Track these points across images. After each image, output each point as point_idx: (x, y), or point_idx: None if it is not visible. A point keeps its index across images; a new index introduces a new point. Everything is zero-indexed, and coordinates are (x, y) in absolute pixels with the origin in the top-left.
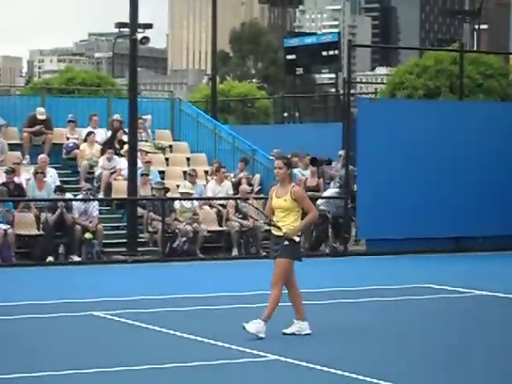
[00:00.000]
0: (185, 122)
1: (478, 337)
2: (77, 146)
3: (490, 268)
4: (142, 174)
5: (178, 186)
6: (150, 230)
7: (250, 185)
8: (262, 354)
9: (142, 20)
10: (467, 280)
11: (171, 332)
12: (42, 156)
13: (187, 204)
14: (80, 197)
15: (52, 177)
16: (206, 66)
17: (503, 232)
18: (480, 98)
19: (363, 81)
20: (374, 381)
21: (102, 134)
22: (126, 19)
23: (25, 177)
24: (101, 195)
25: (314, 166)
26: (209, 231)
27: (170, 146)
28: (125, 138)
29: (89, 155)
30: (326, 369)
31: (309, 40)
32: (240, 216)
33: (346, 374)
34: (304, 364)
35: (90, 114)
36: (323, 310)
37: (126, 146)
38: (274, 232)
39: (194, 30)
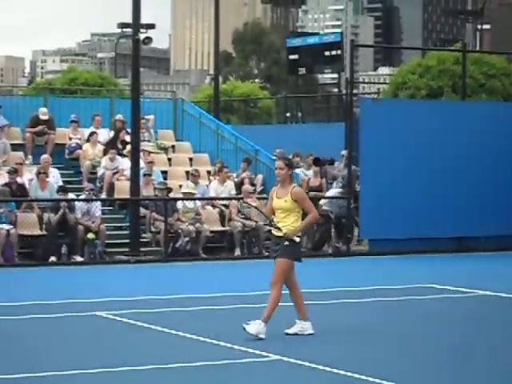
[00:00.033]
0: (187, 122)
1: (481, 337)
2: (79, 147)
3: (492, 268)
4: (144, 174)
5: (180, 186)
6: (153, 230)
7: (253, 185)
8: (264, 354)
9: (144, 20)
10: (470, 280)
11: (174, 332)
12: (44, 156)
13: (190, 204)
14: (83, 197)
15: (55, 177)
16: (209, 66)
17: (506, 232)
18: (483, 98)
19: (366, 81)
20: (377, 381)
21: (105, 134)
22: (129, 19)
23: (27, 177)
24: (103, 195)
25: (317, 166)
26: (211, 231)
27: (173, 146)
28: (127, 138)
29: (91, 155)
30: (328, 369)
31: (311, 40)
32: (242, 216)
33: (349, 373)
34: (307, 364)
35: (93, 114)
36: (326, 310)
37: (128, 146)
38: (275, 232)
39: (196, 31)
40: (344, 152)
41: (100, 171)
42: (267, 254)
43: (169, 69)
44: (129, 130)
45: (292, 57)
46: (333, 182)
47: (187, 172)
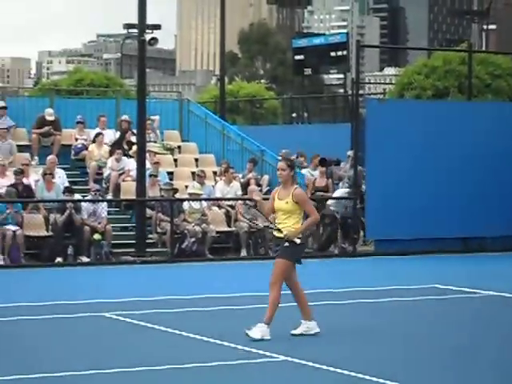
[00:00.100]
0: (193, 123)
1: (486, 337)
2: (85, 147)
3: (498, 268)
4: (150, 175)
5: (186, 187)
6: (159, 230)
7: (259, 185)
8: (268, 354)
9: (150, 21)
10: (475, 280)
11: (178, 332)
12: (50, 157)
13: (196, 205)
14: (89, 198)
15: (61, 178)
16: (215, 67)
17: None
18: (489, 99)
19: (372, 81)
20: (381, 381)
21: (111, 135)
22: (135, 20)
23: (33, 178)
24: (109, 196)
25: (323, 167)
26: (217, 232)
27: (179, 147)
28: (133, 138)
29: (97, 156)
30: (332, 369)
31: (317, 40)
32: (249, 217)
33: (353, 374)
34: (310, 364)
35: (98, 115)
36: (331, 311)
37: (134, 147)
38: (275, 234)
39: (202, 31)
40: (350, 152)
41: (106, 172)
42: (273, 254)
43: (175, 69)
44: (135, 131)
45: (298, 57)
46: (339, 182)
47: (193, 173)
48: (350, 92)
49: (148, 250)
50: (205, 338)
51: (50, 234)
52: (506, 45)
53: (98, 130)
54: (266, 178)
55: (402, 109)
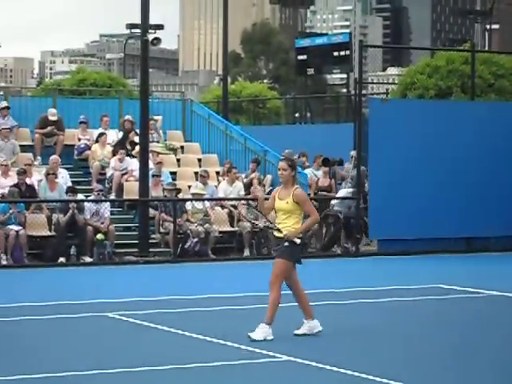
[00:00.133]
0: (196, 123)
1: (489, 337)
2: (88, 147)
3: (501, 268)
4: (153, 175)
5: (189, 187)
6: (162, 230)
7: (262, 185)
8: (271, 354)
9: (153, 21)
10: (477, 280)
11: (182, 332)
12: (53, 157)
13: (199, 205)
14: (92, 198)
15: (64, 178)
16: (217, 67)
17: None
18: (492, 98)
19: (374, 81)
20: (384, 381)
21: (114, 135)
22: (137, 20)
23: (36, 178)
24: (112, 196)
25: (326, 167)
26: (220, 232)
27: (182, 147)
28: (136, 139)
29: (100, 156)
30: (335, 369)
31: (320, 40)
32: (252, 217)
33: (356, 374)
34: (314, 364)
35: (101, 115)
36: (334, 310)
37: (137, 147)
38: (275, 233)
39: (205, 31)
40: (353, 152)
41: (109, 172)
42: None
43: (177, 69)
44: (138, 131)
45: (301, 57)
46: (342, 182)
47: (196, 173)
48: (352, 92)
49: (151, 250)
50: (208, 338)
51: (53, 234)
52: (508, 44)
53: (100, 130)
54: (268, 177)
55: (405, 109)
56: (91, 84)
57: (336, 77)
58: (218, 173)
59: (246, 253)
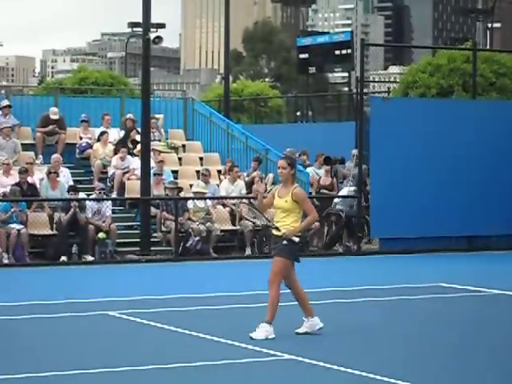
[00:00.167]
0: (198, 122)
1: (491, 336)
2: (90, 146)
3: (503, 267)
4: (155, 174)
5: (191, 186)
6: (164, 229)
7: (264, 184)
8: (272, 352)
9: (154, 20)
10: (480, 279)
11: (182, 331)
12: (55, 156)
13: (200, 203)
14: (93, 196)
15: (65, 176)
16: (219, 66)
17: None
18: (493, 97)
19: (376, 80)
20: (392, 381)
21: (115, 134)
22: (139, 19)
23: (38, 176)
24: (114, 195)
25: (328, 165)
26: (222, 230)
27: (183, 146)
28: (138, 137)
29: (102, 155)
30: (343, 369)
31: (321, 39)
32: (253, 215)
33: (364, 373)
34: (321, 364)
35: (103, 114)
36: (336, 309)
37: (139, 146)
38: (274, 232)
39: (206, 30)
40: (354, 151)
41: (110, 171)
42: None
43: (179, 68)
44: (139, 130)
45: (302, 56)
46: (343, 181)
47: (198, 171)
48: (354, 90)
49: (152, 248)
50: (208, 337)
51: (55, 232)
52: (510, 43)
53: (102, 128)
54: (270, 176)
55: (407, 107)
56: (93, 83)
57: (338, 75)
58: (219, 171)
59: (248, 251)
